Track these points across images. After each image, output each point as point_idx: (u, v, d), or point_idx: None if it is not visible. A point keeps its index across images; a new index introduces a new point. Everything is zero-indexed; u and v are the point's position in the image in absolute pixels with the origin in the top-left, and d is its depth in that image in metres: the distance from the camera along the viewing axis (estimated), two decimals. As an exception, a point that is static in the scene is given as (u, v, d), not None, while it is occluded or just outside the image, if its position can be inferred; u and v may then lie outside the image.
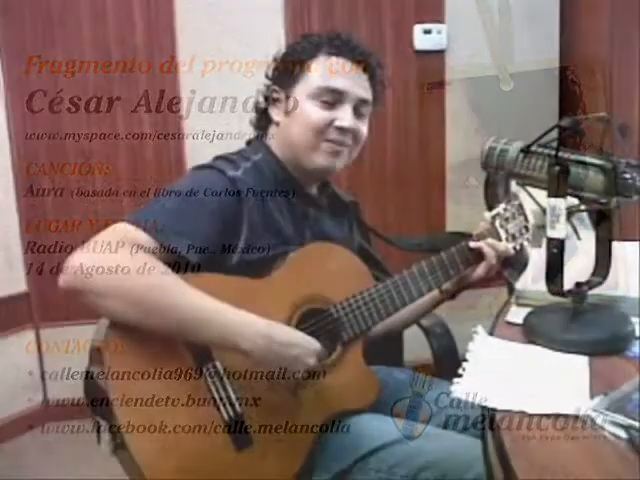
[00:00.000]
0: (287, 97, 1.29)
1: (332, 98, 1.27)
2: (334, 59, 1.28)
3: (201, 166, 1.26)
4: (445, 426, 1.28)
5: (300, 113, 1.28)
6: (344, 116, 1.27)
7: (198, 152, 2.48)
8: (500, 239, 1.35)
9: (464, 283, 1.37)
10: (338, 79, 1.27)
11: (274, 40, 2.51)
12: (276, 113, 1.31)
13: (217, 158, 1.29)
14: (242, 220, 1.19)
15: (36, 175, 2.52)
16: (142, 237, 1.08)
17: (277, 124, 1.31)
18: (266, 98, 1.33)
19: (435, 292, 1.38)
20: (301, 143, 1.28)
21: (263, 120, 1.35)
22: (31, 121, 2.49)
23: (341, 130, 1.27)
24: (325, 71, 1.27)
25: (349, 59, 1.29)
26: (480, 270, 1.33)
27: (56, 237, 2.56)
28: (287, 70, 1.29)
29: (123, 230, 1.09)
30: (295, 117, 1.28)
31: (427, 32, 2.61)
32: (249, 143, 1.37)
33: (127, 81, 2.51)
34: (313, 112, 1.27)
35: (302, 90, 1.28)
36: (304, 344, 1.11)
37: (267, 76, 1.34)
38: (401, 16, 2.61)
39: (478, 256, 1.33)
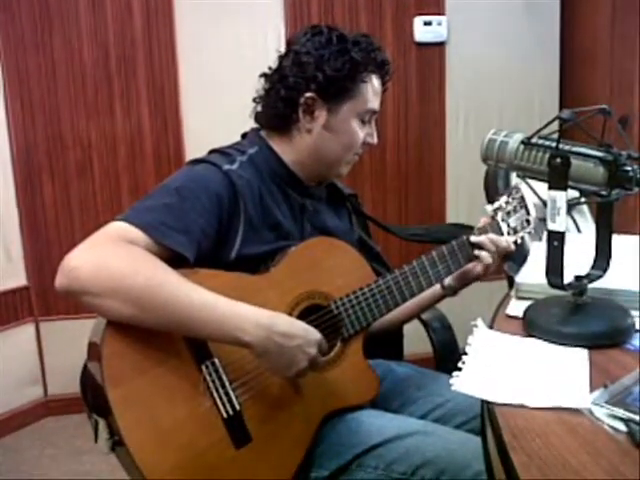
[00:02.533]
0: (329, 110, 1.26)
1: (369, 117, 1.30)
2: (375, 80, 1.29)
3: (196, 160, 1.25)
4: (445, 420, 1.28)
5: (346, 131, 1.28)
6: (373, 133, 1.32)
7: (197, 145, 2.46)
8: (502, 233, 1.34)
9: (467, 279, 1.36)
10: (377, 100, 1.30)
11: (274, 32, 2.51)
12: (309, 121, 1.26)
13: (212, 152, 1.28)
14: (239, 214, 1.18)
15: (35, 168, 2.52)
16: (138, 235, 1.07)
17: (309, 131, 1.27)
18: (292, 101, 1.26)
19: (437, 288, 1.37)
20: (338, 157, 1.30)
21: (281, 121, 1.28)
22: (30, 114, 2.48)
23: (368, 145, 1.32)
24: (371, 92, 1.28)
25: (381, 78, 1.30)
26: (481, 266, 1.32)
27: (55, 230, 2.56)
28: (337, 87, 1.25)
29: (118, 228, 1.08)
30: (339, 133, 1.27)
31: (427, 24, 2.60)
32: (244, 136, 1.35)
33: (126, 73, 2.51)
34: (358, 132, 1.29)
35: (351, 109, 1.26)
36: (305, 334, 1.10)
37: (306, 79, 1.24)
38: (401, 8, 2.60)
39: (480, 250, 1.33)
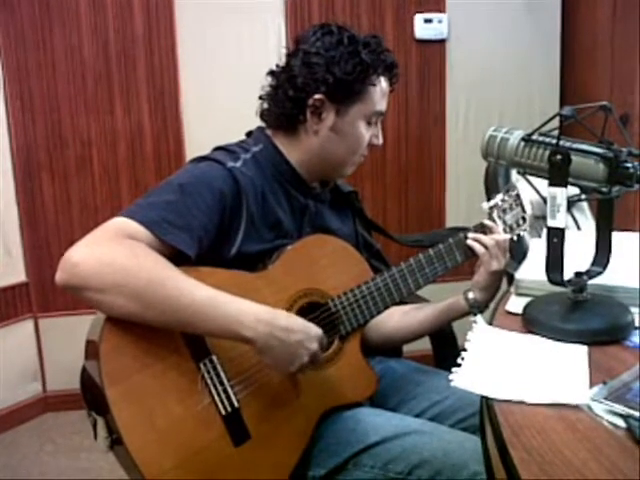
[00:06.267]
0: (337, 112, 1.25)
1: (376, 119, 1.30)
2: (383, 82, 1.28)
3: (200, 158, 1.24)
4: (443, 417, 1.28)
5: (353, 134, 1.27)
6: (379, 134, 1.32)
7: (197, 142, 2.47)
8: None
9: (486, 283, 1.30)
10: (384, 102, 1.30)
11: (275, 29, 2.50)
12: (316, 122, 1.26)
13: (216, 149, 1.28)
14: (241, 212, 1.18)
15: (35, 165, 2.51)
16: (140, 231, 1.07)
17: (315, 133, 1.26)
18: (300, 101, 1.25)
19: (462, 304, 1.32)
20: (344, 159, 1.30)
21: (287, 121, 1.27)
22: (30, 111, 2.48)
23: (373, 146, 1.32)
24: (379, 95, 1.28)
25: (389, 80, 1.30)
26: (494, 264, 1.29)
27: (55, 227, 2.56)
28: (347, 90, 1.24)
29: (121, 224, 1.08)
30: (346, 135, 1.27)
31: (428, 21, 2.60)
32: (249, 134, 1.35)
33: (126, 70, 2.50)
34: (365, 133, 1.28)
35: (359, 111, 1.26)
36: (306, 329, 1.10)
37: (315, 81, 1.23)
38: (402, 5, 2.59)
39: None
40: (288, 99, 1.25)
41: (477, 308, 1.31)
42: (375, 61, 1.25)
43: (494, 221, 1.34)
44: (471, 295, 1.31)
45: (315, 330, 1.11)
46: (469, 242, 1.31)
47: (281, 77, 1.28)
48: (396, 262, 1.32)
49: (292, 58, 1.27)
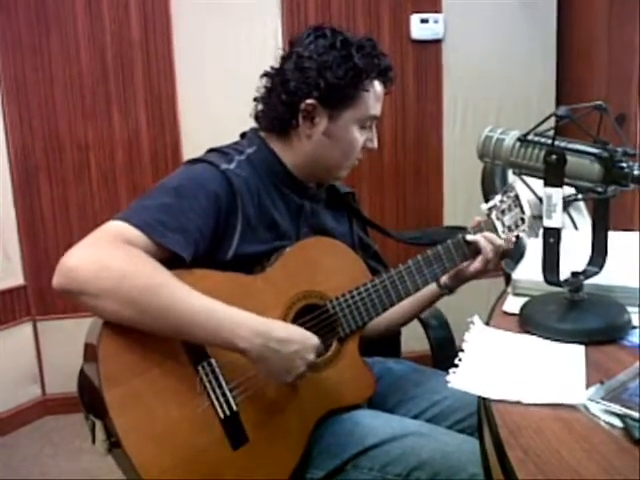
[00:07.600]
0: (330, 117, 1.24)
1: (370, 123, 1.29)
2: (377, 86, 1.27)
3: (194, 160, 1.24)
4: (442, 418, 1.28)
5: (346, 138, 1.26)
6: (374, 138, 1.31)
7: (195, 146, 2.45)
8: (497, 231, 1.34)
9: (463, 277, 1.35)
10: (378, 106, 1.29)
11: (272, 31, 2.51)
12: (308, 127, 1.25)
13: (210, 151, 1.27)
14: (236, 213, 1.18)
15: (33, 169, 2.51)
16: (136, 235, 1.07)
17: (308, 137, 1.25)
18: (292, 105, 1.24)
19: (434, 287, 1.36)
20: (338, 163, 1.30)
21: (280, 125, 1.27)
22: (27, 115, 2.48)
23: (368, 149, 1.31)
24: (372, 99, 1.27)
25: (383, 83, 1.29)
26: (478, 264, 1.31)
27: (53, 230, 2.56)
28: (339, 95, 1.23)
29: (117, 228, 1.07)
30: (339, 140, 1.26)
31: (424, 21, 2.60)
32: (243, 136, 1.35)
33: (123, 75, 2.50)
34: (358, 138, 1.28)
35: (352, 116, 1.25)
36: (302, 339, 1.10)
37: (308, 85, 1.22)
38: (398, 5, 2.59)
39: (475, 249, 1.32)
40: (281, 103, 1.25)
41: (447, 291, 1.37)
42: (369, 65, 1.23)
43: (493, 222, 1.34)
44: (444, 279, 1.35)
45: (312, 340, 1.11)
46: (477, 237, 1.31)
47: (275, 80, 1.27)
48: (394, 261, 1.32)
49: (286, 61, 1.27)
